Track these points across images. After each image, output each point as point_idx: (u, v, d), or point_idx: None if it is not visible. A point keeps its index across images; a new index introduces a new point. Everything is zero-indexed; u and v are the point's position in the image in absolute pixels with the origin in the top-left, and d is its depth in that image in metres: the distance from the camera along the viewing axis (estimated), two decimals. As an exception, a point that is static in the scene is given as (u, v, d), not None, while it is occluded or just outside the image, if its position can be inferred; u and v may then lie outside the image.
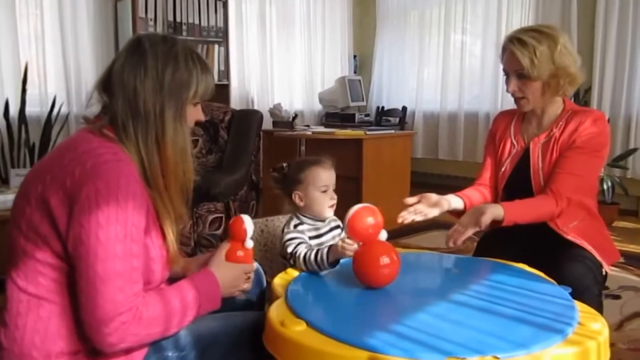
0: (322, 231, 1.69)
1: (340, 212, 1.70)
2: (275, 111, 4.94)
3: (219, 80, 4.67)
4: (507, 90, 1.81)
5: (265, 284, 1.62)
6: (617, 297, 2.86)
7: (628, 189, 4.43)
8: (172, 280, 1.30)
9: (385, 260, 1.38)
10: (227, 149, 3.69)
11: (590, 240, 1.74)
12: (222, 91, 4.68)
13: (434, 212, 1.77)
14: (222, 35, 4.80)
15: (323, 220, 1.71)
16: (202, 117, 1.34)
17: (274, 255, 1.90)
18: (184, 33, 4.52)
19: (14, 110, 3.74)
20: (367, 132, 4.24)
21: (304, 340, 1.13)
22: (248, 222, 1.45)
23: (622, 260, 3.20)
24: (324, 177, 1.66)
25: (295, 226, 1.66)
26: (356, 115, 5.16)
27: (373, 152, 4.22)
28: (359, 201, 1.49)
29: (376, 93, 6.35)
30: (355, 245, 1.43)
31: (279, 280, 1.49)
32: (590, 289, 1.62)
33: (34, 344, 1.13)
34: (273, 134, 4.54)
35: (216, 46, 4.76)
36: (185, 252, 3.11)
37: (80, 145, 1.18)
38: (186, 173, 1.28)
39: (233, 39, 5.09)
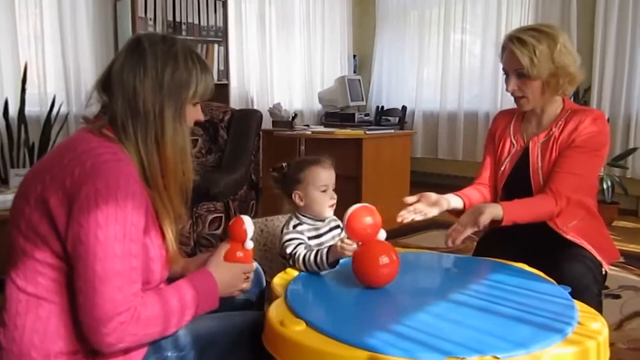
0: (321, 231, 1.69)
1: (340, 212, 1.70)
2: (274, 111, 4.94)
3: (218, 80, 4.67)
4: (507, 90, 1.81)
5: (264, 283, 1.62)
6: (617, 296, 2.86)
7: (628, 189, 4.43)
8: (171, 280, 1.30)
9: (384, 260, 1.38)
10: (226, 148, 3.69)
11: (590, 239, 1.74)
12: (222, 91, 4.67)
13: (433, 212, 1.77)
14: (222, 35, 4.80)
15: (323, 220, 1.70)
16: (201, 117, 1.34)
17: (274, 255, 1.90)
18: (184, 33, 4.52)
19: (13, 110, 3.74)
20: (367, 132, 4.24)
21: (303, 340, 1.13)
22: (248, 223, 1.45)
23: (622, 259, 3.21)
24: (324, 176, 1.66)
25: (295, 226, 1.66)
26: (356, 114, 5.16)
27: (373, 152, 4.22)
28: (359, 201, 1.49)
29: (376, 93, 6.35)
30: (355, 245, 1.43)
31: (278, 280, 1.49)
32: (589, 289, 1.62)
33: (33, 344, 1.13)
34: (273, 134, 4.54)
35: (216, 46, 4.76)
36: (185, 252, 3.11)
37: (80, 145, 1.18)
38: (185, 173, 1.28)
39: (232, 38, 5.08)
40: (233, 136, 3.71)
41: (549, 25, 1.79)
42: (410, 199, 1.78)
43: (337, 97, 5.31)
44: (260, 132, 3.89)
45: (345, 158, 4.02)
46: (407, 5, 6.14)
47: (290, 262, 1.58)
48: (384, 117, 5.13)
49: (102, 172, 1.11)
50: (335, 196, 1.68)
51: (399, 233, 3.80)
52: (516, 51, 1.72)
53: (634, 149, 4.52)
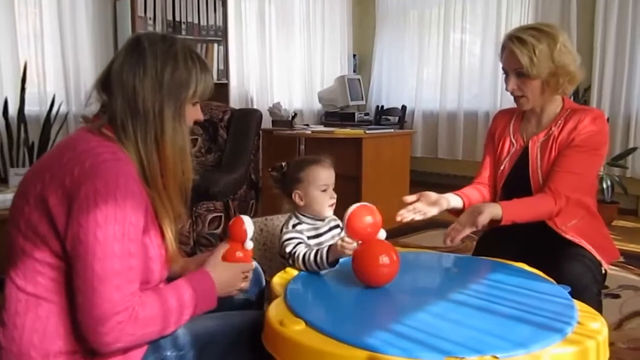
0: (321, 231, 1.69)
1: (340, 212, 1.70)
2: (274, 110, 4.94)
3: (218, 79, 4.67)
4: (507, 89, 1.81)
5: (264, 283, 1.62)
6: (617, 296, 2.86)
7: (627, 188, 4.43)
8: (170, 279, 1.30)
9: (384, 259, 1.38)
10: (226, 148, 3.69)
11: (590, 239, 1.74)
12: (222, 90, 4.67)
13: (433, 211, 1.77)
14: (222, 34, 4.79)
15: (322, 220, 1.70)
16: (200, 117, 1.34)
17: (273, 254, 1.90)
18: (183, 32, 4.52)
19: (13, 110, 3.74)
20: (367, 131, 4.24)
21: (302, 339, 1.13)
22: (248, 223, 1.45)
23: (621, 259, 3.22)
24: (324, 176, 1.66)
25: (294, 226, 1.66)
26: (356, 114, 5.16)
27: (372, 151, 4.22)
28: (359, 200, 1.49)
29: (375, 92, 6.35)
30: (355, 244, 1.43)
31: (278, 280, 1.49)
32: (589, 288, 1.62)
33: (33, 344, 1.12)
34: (272, 133, 4.53)
35: (215, 45, 4.76)
36: (185, 251, 3.11)
37: (79, 145, 1.18)
38: (185, 172, 1.28)
39: (232, 38, 5.08)
40: (233, 135, 3.71)
41: (548, 24, 1.79)
42: (409, 198, 1.78)
43: (336, 97, 5.31)
44: (260, 132, 3.88)
45: (345, 157, 4.02)
46: (407, 5, 6.14)
47: (290, 262, 1.58)
48: (383, 117, 5.12)
49: (102, 171, 1.11)
50: (335, 195, 1.68)
51: (398, 232, 3.80)
52: (516, 50, 1.72)
53: (634, 149, 4.52)
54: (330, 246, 1.51)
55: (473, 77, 5.66)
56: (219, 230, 3.33)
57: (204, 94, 1.30)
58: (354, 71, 6.37)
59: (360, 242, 1.43)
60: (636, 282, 3.09)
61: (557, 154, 1.77)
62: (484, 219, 1.64)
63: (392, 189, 4.14)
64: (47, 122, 3.77)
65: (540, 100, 1.80)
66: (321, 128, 4.73)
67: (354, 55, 6.44)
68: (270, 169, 1.76)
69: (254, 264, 1.50)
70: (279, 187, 1.73)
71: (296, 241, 1.60)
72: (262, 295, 1.60)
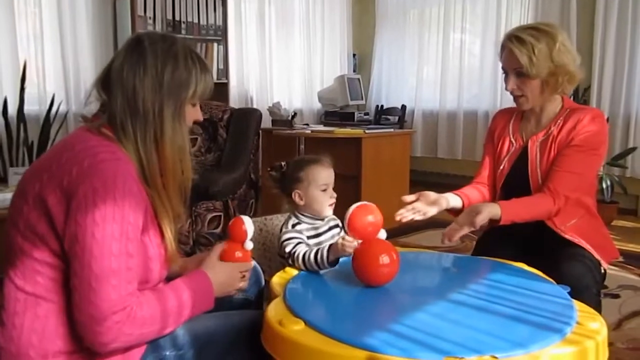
0: (320, 230, 1.69)
1: (339, 211, 1.69)
2: (274, 110, 4.93)
3: (217, 79, 4.66)
4: (506, 89, 1.81)
5: (263, 282, 1.62)
6: (616, 296, 2.86)
7: (627, 188, 4.43)
8: (170, 279, 1.30)
9: (384, 259, 1.38)
10: (225, 147, 3.69)
11: (589, 238, 1.74)
12: (221, 90, 4.67)
13: (432, 211, 1.77)
14: (221, 34, 4.79)
15: (322, 219, 1.70)
16: (200, 117, 1.34)
17: (273, 254, 1.90)
18: (183, 31, 4.52)
19: (12, 109, 3.73)
20: (366, 131, 4.24)
21: (301, 339, 1.13)
22: (248, 224, 1.45)
23: (621, 259, 3.22)
24: (324, 175, 1.66)
25: (294, 225, 1.66)
26: (355, 113, 5.15)
27: (372, 151, 4.22)
28: (358, 200, 1.49)
29: (375, 92, 6.35)
30: (355, 243, 1.43)
31: (277, 279, 1.49)
32: (589, 289, 1.62)
33: (31, 343, 1.12)
34: (272, 133, 4.53)
35: (215, 45, 4.75)
36: (184, 251, 3.11)
37: (78, 144, 1.18)
38: (184, 172, 1.28)
39: (232, 37, 5.08)
40: (232, 135, 3.70)
41: (548, 24, 1.79)
42: (409, 197, 1.78)
43: (336, 96, 5.31)
44: (260, 131, 3.88)
45: (344, 157, 4.02)
46: (407, 4, 6.13)
47: (290, 261, 1.58)
48: (383, 116, 5.12)
49: (100, 171, 1.11)
50: (335, 195, 1.68)
51: (398, 232, 3.80)
52: (515, 50, 1.72)
53: (634, 149, 4.52)
54: (330, 245, 1.51)
55: (473, 76, 5.66)
56: (218, 230, 3.33)
57: (204, 94, 1.30)
58: (354, 71, 6.37)
59: (360, 241, 1.43)
60: (636, 282, 3.09)
61: (556, 153, 1.77)
62: (482, 219, 1.63)
63: (391, 189, 4.14)
64: (47, 121, 3.77)
65: (539, 100, 1.79)
66: (321, 128, 4.72)
67: (354, 55, 6.44)
68: (269, 169, 1.76)
69: (253, 263, 1.50)
70: (278, 187, 1.73)
71: (296, 241, 1.60)
72: (261, 295, 1.60)
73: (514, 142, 1.90)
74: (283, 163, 1.75)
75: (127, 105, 1.20)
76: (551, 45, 1.71)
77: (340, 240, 1.46)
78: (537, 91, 1.76)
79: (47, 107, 3.84)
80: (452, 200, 1.85)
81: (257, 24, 5.46)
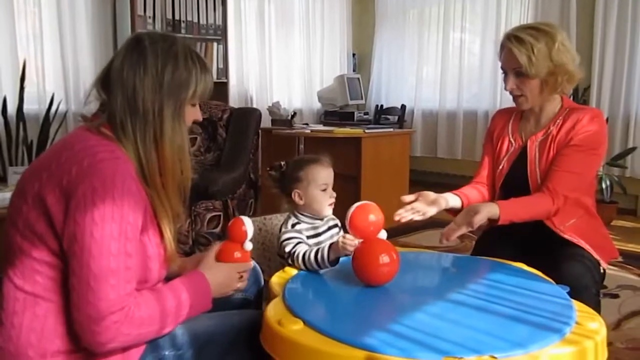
0: (319, 230, 1.69)
1: (339, 211, 1.69)
2: (273, 109, 4.93)
3: (217, 78, 4.66)
4: (505, 88, 1.81)
5: (262, 282, 1.62)
6: (616, 296, 2.86)
7: (627, 188, 4.43)
8: (169, 279, 1.30)
9: (384, 258, 1.38)
10: (225, 147, 3.69)
11: (588, 238, 1.73)
12: (221, 89, 4.67)
13: (431, 211, 1.77)
14: (221, 33, 4.79)
15: (321, 219, 1.70)
16: (199, 117, 1.34)
17: (272, 253, 1.90)
18: (183, 31, 4.52)
19: (12, 108, 3.73)
20: (366, 131, 4.24)
21: (300, 339, 1.13)
22: (248, 224, 1.45)
23: (620, 259, 3.22)
24: (324, 175, 1.66)
25: (293, 225, 1.66)
26: (355, 113, 5.16)
27: (372, 151, 4.22)
28: (358, 200, 1.49)
29: (375, 91, 6.35)
30: (356, 241, 1.43)
31: (276, 279, 1.49)
32: (588, 289, 1.62)
33: (30, 343, 1.12)
34: (272, 132, 4.53)
35: (215, 44, 4.75)
36: (184, 251, 3.11)
37: (77, 144, 1.18)
38: (184, 171, 1.28)
39: (232, 36, 5.08)
40: (232, 135, 3.70)
41: (547, 23, 1.79)
42: (408, 197, 1.77)
43: (336, 96, 5.31)
44: (259, 131, 3.88)
45: (344, 157, 4.02)
46: (407, 4, 6.14)
47: (289, 261, 1.58)
48: (383, 116, 5.12)
49: (99, 170, 1.11)
50: (335, 194, 1.68)
51: (398, 232, 3.80)
52: (514, 50, 1.72)
53: (633, 149, 4.52)
54: (331, 244, 1.51)
55: (472, 76, 5.67)
56: (217, 230, 3.33)
57: (204, 94, 1.30)
58: (354, 70, 6.37)
59: (361, 240, 1.43)
60: (635, 282, 3.09)
61: (555, 153, 1.77)
62: (480, 219, 1.63)
63: (391, 189, 4.14)
64: (46, 120, 3.77)
65: (539, 100, 1.79)
66: (320, 127, 4.72)
67: (354, 54, 6.44)
68: (268, 169, 1.76)
69: (252, 264, 1.50)
70: (278, 187, 1.73)
71: (295, 241, 1.60)
72: (260, 295, 1.60)
73: (513, 142, 1.90)
74: (282, 163, 1.75)
75: (127, 104, 1.19)
76: (550, 45, 1.71)
77: (341, 239, 1.46)
78: (536, 91, 1.76)
79: (47, 106, 3.84)
80: (451, 200, 1.85)
81: (257, 24, 5.46)
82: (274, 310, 1.27)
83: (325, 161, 1.69)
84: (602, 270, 1.77)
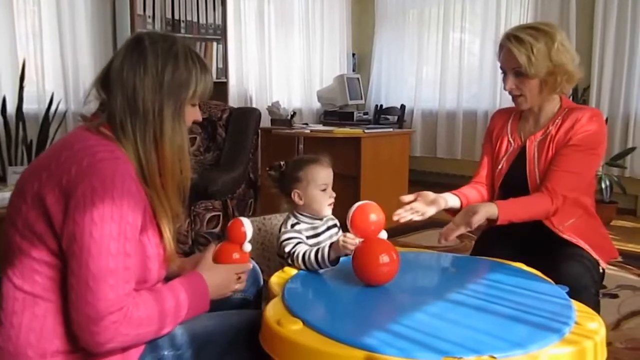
0: (319, 230, 1.69)
1: (338, 211, 1.70)
2: (273, 109, 4.93)
3: (217, 78, 4.66)
4: (505, 88, 1.81)
5: (262, 282, 1.62)
6: (615, 296, 2.87)
7: (626, 188, 4.43)
8: (168, 279, 1.30)
9: (384, 258, 1.38)
10: (225, 147, 3.68)
11: (587, 238, 1.73)
12: (220, 89, 4.67)
13: (430, 211, 1.77)
14: (221, 33, 4.79)
15: (320, 219, 1.70)
16: (199, 117, 1.34)
17: (272, 253, 1.90)
18: (182, 30, 4.52)
19: (11, 108, 3.73)
20: (366, 131, 4.24)
21: (300, 339, 1.13)
22: (247, 225, 1.45)
23: (620, 259, 3.22)
24: (323, 175, 1.66)
25: (293, 225, 1.66)
26: (355, 113, 5.16)
27: (371, 151, 4.22)
28: (358, 200, 1.49)
29: (375, 91, 6.35)
30: (357, 241, 1.43)
31: (275, 279, 1.49)
32: (587, 288, 1.62)
33: (29, 343, 1.12)
34: (271, 132, 4.53)
35: (214, 44, 4.75)
36: (183, 251, 3.11)
37: (77, 143, 1.18)
38: (183, 171, 1.28)
39: (231, 36, 5.08)
40: (231, 134, 3.70)
41: (547, 23, 1.79)
42: (407, 197, 1.77)
43: (336, 96, 5.31)
44: (259, 131, 3.88)
45: (343, 157, 4.02)
46: (407, 4, 6.14)
47: (289, 261, 1.58)
48: (382, 116, 5.12)
49: (99, 170, 1.11)
50: (334, 195, 1.68)
51: (397, 232, 3.80)
52: (514, 50, 1.72)
53: (633, 149, 4.52)
54: (331, 244, 1.51)
55: (472, 76, 5.67)
56: (217, 229, 3.33)
57: (204, 94, 1.30)
58: (353, 70, 6.37)
59: (362, 239, 1.43)
60: (634, 282, 3.09)
61: (554, 153, 1.77)
62: (478, 219, 1.63)
63: (391, 189, 4.14)
64: (46, 120, 3.77)
65: (538, 100, 1.79)
66: (320, 127, 4.73)
67: (353, 54, 6.44)
68: (268, 168, 1.76)
69: (251, 264, 1.49)
70: (277, 187, 1.73)
71: (295, 241, 1.60)
72: (260, 295, 1.60)
73: (512, 142, 1.90)
74: (282, 162, 1.75)
75: (126, 104, 1.19)
76: (550, 44, 1.71)
77: (341, 238, 1.46)
78: (535, 91, 1.76)
79: (46, 105, 3.83)
80: (450, 200, 1.85)
81: (257, 23, 5.46)
82: (273, 310, 1.27)
83: (325, 161, 1.69)
84: (601, 270, 1.77)
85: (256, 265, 1.60)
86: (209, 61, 4.67)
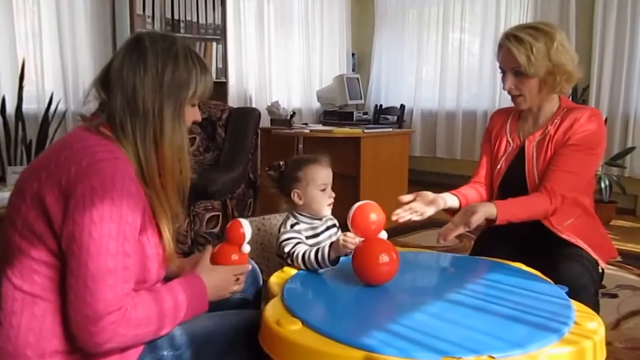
0: (318, 230, 1.69)
1: (338, 211, 1.70)
2: (273, 109, 4.93)
3: (216, 78, 4.66)
4: (504, 88, 1.81)
5: (261, 282, 1.62)
6: (614, 295, 2.87)
7: (625, 188, 4.44)
8: (168, 279, 1.30)
9: (384, 258, 1.38)
10: (224, 147, 3.68)
11: (586, 238, 1.73)
12: (220, 89, 4.67)
13: (429, 211, 1.77)
14: (220, 33, 4.79)
15: (320, 219, 1.70)
16: (199, 118, 1.34)
17: (271, 253, 1.90)
18: (182, 30, 4.52)
19: (10, 107, 3.73)
20: (365, 131, 4.24)
21: (299, 339, 1.13)
22: (246, 227, 1.45)
23: (619, 259, 3.22)
24: (323, 175, 1.66)
25: (292, 225, 1.66)
26: (354, 113, 5.16)
27: (371, 151, 4.22)
28: (357, 200, 1.49)
29: (374, 91, 6.35)
30: (357, 240, 1.43)
31: (275, 279, 1.49)
32: (587, 288, 1.62)
33: (28, 343, 1.12)
34: (271, 132, 4.53)
35: (214, 44, 4.76)
36: (182, 251, 3.11)
37: (76, 143, 1.18)
38: (183, 171, 1.28)
39: (231, 36, 5.08)
40: (231, 134, 3.70)
41: (546, 23, 1.79)
42: (406, 197, 1.77)
43: (335, 96, 5.31)
44: (259, 131, 3.88)
45: (343, 157, 4.02)
46: (406, 4, 6.14)
47: (289, 261, 1.58)
48: (382, 116, 5.12)
49: (98, 170, 1.11)
50: (334, 195, 1.68)
51: (396, 232, 3.80)
52: (513, 49, 1.72)
53: (632, 148, 4.52)
54: (332, 243, 1.51)
55: (472, 76, 5.67)
56: (216, 229, 3.33)
57: (204, 94, 1.30)
58: (353, 70, 6.37)
59: (362, 239, 1.43)
60: (634, 282, 3.09)
61: (553, 153, 1.77)
62: (477, 219, 1.63)
63: (390, 188, 4.14)
64: (45, 120, 3.77)
65: (537, 99, 1.79)
66: (320, 127, 4.73)
67: (353, 54, 6.44)
68: (267, 168, 1.76)
69: (251, 264, 1.49)
70: (277, 187, 1.73)
71: (295, 241, 1.60)
72: (259, 295, 1.60)
73: (511, 141, 1.90)
74: (281, 162, 1.74)
75: (126, 104, 1.19)
76: (549, 44, 1.71)
77: (342, 237, 1.46)
78: (534, 90, 1.76)
79: (46, 105, 3.83)
80: (449, 200, 1.85)
81: (256, 23, 5.46)
82: (272, 310, 1.27)
83: (324, 161, 1.69)
84: (600, 270, 1.77)
85: (255, 265, 1.60)
86: (209, 61, 4.67)
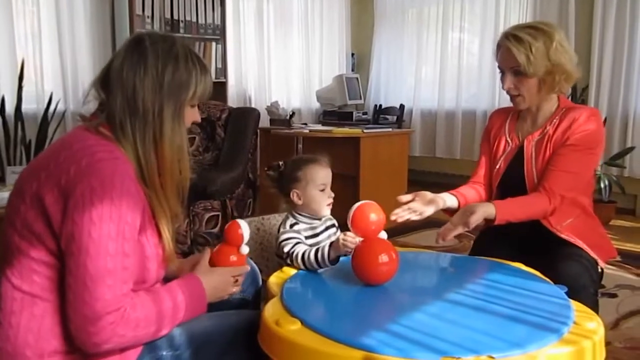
0: (317, 230, 1.69)
1: (337, 211, 1.70)
2: (272, 109, 4.93)
3: (216, 78, 4.66)
4: (503, 88, 1.81)
5: (260, 282, 1.62)
6: (614, 295, 2.87)
7: (625, 188, 4.44)
8: (167, 279, 1.30)
9: (384, 258, 1.38)
10: (224, 147, 3.68)
11: (585, 238, 1.73)
12: (220, 89, 4.67)
13: (428, 211, 1.77)
14: (220, 33, 4.79)
15: (319, 219, 1.70)
16: (198, 118, 1.34)
17: (270, 253, 1.90)
18: (182, 30, 4.52)
19: (10, 107, 3.73)
20: (365, 130, 4.24)
21: (298, 339, 1.13)
22: (245, 228, 1.45)
23: (618, 258, 3.22)
24: (322, 175, 1.66)
25: (291, 226, 1.66)
26: (354, 113, 5.16)
27: (370, 151, 4.22)
28: (357, 200, 1.49)
29: (374, 91, 6.35)
30: (357, 239, 1.43)
31: (274, 279, 1.49)
32: (586, 288, 1.62)
33: (28, 343, 1.12)
34: (270, 132, 4.53)
35: (214, 44, 4.76)
36: (182, 251, 3.11)
37: (76, 143, 1.18)
38: (182, 172, 1.28)
39: (230, 36, 5.08)
40: (230, 134, 3.70)
41: (545, 22, 1.79)
42: (405, 197, 1.77)
43: (335, 96, 5.31)
44: (258, 131, 3.88)
45: (342, 157, 4.02)
46: (406, 3, 6.14)
47: (288, 261, 1.58)
48: (381, 116, 5.12)
49: (98, 170, 1.11)
50: (333, 195, 1.68)
51: (396, 232, 3.80)
52: (512, 49, 1.72)
53: (632, 148, 4.52)
54: (331, 243, 1.51)
55: (471, 76, 5.67)
56: (216, 230, 3.33)
57: (204, 95, 1.30)
58: (352, 70, 6.37)
59: (361, 238, 1.43)
60: (633, 282, 3.09)
61: (552, 152, 1.77)
62: (476, 219, 1.63)
63: (390, 188, 4.14)
64: (45, 120, 3.77)
65: (536, 99, 1.79)
66: (319, 127, 4.73)
67: (352, 54, 6.44)
68: (267, 168, 1.76)
69: (250, 265, 1.49)
70: (276, 187, 1.73)
71: (294, 241, 1.60)
72: (258, 295, 1.60)
73: (509, 141, 1.90)
74: (281, 162, 1.75)
75: (126, 104, 1.19)
76: (548, 44, 1.71)
77: (341, 237, 1.47)
78: (534, 90, 1.76)
79: (45, 105, 3.83)
80: (448, 200, 1.85)
81: (256, 23, 5.45)
82: (271, 310, 1.27)
83: (324, 161, 1.69)
84: (600, 270, 1.77)
85: (255, 265, 1.60)
86: (208, 61, 4.67)
